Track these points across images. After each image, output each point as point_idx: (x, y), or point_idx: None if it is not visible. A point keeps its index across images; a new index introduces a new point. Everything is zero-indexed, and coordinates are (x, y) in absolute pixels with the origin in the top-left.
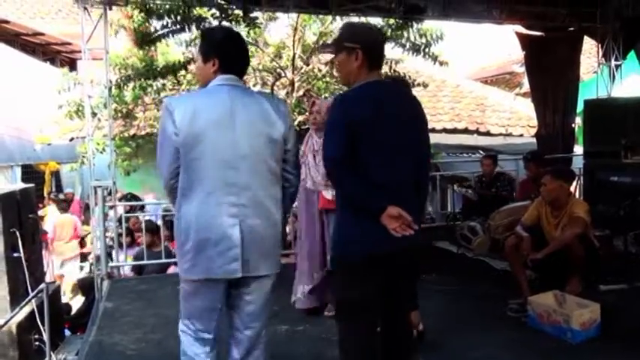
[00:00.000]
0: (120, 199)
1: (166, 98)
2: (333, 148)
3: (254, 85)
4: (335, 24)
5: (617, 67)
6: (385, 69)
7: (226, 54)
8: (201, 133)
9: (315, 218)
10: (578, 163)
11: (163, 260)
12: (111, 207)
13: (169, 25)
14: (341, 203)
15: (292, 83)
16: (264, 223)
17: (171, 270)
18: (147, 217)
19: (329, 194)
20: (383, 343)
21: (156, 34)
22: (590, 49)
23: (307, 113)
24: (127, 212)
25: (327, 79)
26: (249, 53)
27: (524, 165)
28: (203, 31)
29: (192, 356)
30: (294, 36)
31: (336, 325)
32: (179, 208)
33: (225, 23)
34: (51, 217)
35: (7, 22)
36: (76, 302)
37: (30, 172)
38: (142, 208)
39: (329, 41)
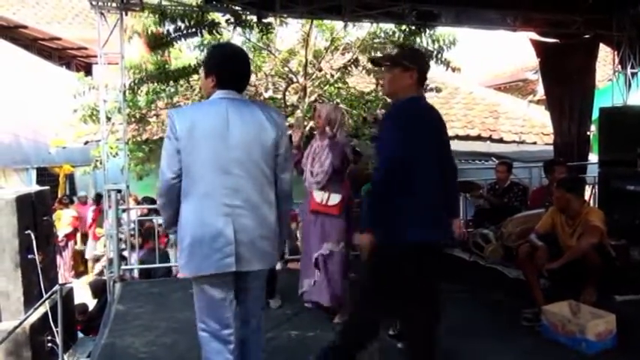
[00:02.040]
0: (138, 203)
1: (170, 110)
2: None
3: (266, 90)
4: (348, 29)
5: (634, 74)
6: None
7: (224, 72)
8: (199, 140)
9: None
10: (593, 172)
11: (172, 264)
12: (124, 210)
13: (182, 30)
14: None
15: (304, 89)
16: (257, 223)
17: (181, 274)
18: (161, 221)
19: (319, 197)
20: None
21: (169, 38)
22: (605, 57)
23: None
24: (140, 216)
25: (339, 84)
26: (262, 59)
27: (545, 170)
28: (208, 49)
29: (214, 354)
30: (306, 41)
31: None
32: (181, 209)
33: (239, 29)
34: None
35: (25, 27)
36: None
37: (45, 175)
38: (157, 211)
39: (341, 47)
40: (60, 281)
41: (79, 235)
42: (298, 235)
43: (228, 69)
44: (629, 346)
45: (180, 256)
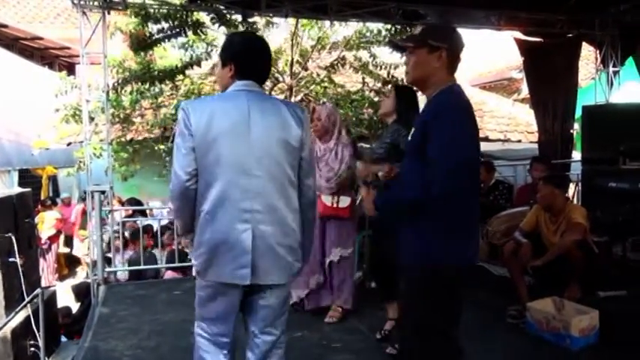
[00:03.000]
0: (122, 204)
1: (183, 102)
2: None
3: None
4: (334, 29)
5: (616, 73)
6: (383, 74)
7: (243, 60)
8: (216, 137)
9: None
10: (576, 169)
11: (161, 265)
12: (109, 212)
13: (165, 30)
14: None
15: (290, 88)
16: (278, 230)
17: (168, 275)
18: (145, 222)
19: (329, 200)
20: None
21: (152, 39)
22: (588, 56)
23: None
24: (125, 217)
25: (326, 83)
26: None
27: (530, 168)
28: (225, 38)
29: (209, 355)
30: (292, 41)
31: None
32: (198, 211)
33: (222, 28)
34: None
35: (5, 26)
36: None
37: (27, 177)
38: (143, 213)
39: (327, 46)
40: (44, 284)
41: (62, 238)
42: None
43: (250, 58)
44: (612, 341)
45: (197, 261)
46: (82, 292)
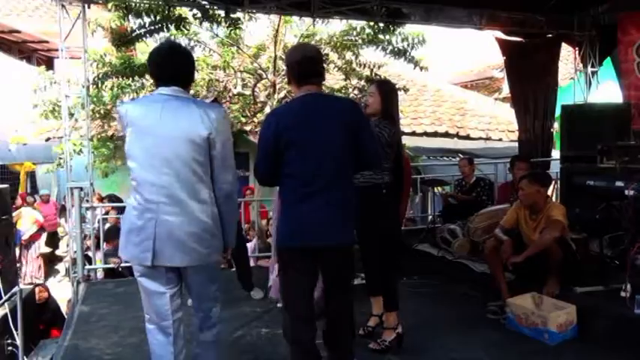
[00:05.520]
0: (102, 201)
1: (119, 101)
2: None
3: (234, 87)
4: (317, 27)
5: (594, 73)
6: (367, 72)
7: (161, 71)
8: (135, 136)
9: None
10: (555, 168)
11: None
12: (88, 208)
13: (147, 25)
14: None
15: (274, 85)
16: (183, 220)
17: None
18: None
19: None
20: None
21: (133, 35)
22: (567, 56)
23: None
24: (104, 214)
25: None
26: (231, 54)
27: (511, 167)
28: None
29: (156, 344)
30: (275, 37)
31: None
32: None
33: (205, 24)
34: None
35: None
36: None
37: (5, 173)
38: (123, 210)
39: (312, 42)
40: (28, 282)
41: (44, 236)
42: (271, 232)
43: (167, 67)
44: (589, 336)
45: (121, 244)
46: None
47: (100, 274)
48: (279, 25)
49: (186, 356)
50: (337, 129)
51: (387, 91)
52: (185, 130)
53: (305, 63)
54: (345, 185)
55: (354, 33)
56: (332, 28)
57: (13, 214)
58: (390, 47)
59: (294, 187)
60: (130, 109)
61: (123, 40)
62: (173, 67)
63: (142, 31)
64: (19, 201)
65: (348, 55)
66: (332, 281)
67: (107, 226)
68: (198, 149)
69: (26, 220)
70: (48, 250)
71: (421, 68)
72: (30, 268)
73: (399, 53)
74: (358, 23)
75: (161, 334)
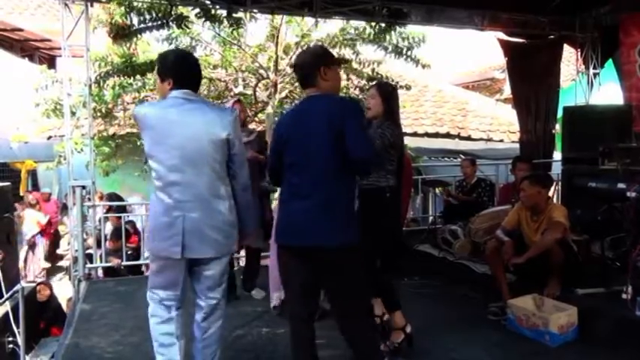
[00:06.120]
0: (101, 199)
1: (135, 106)
2: None
3: (236, 86)
4: (318, 26)
5: (596, 75)
6: (367, 71)
7: (178, 74)
8: (158, 138)
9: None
10: (556, 169)
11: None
12: (90, 207)
13: (147, 22)
14: None
15: (275, 85)
16: (206, 215)
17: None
18: (128, 218)
19: None
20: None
21: (133, 29)
22: (569, 57)
23: None
24: (106, 213)
25: None
26: (232, 54)
27: (512, 168)
28: (158, 56)
29: (156, 317)
30: (276, 37)
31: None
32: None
33: (207, 23)
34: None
35: None
36: None
37: (6, 171)
38: (124, 209)
39: (311, 43)
40: (31, 279)
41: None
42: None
43: (184, 71)
44: (590, 338)
45: (148, 238)
46: None
47: (100, 273)
48: (280, 25)
49: (186, 351)
50: (326, 129)
51: (388, 92)
52: (204, 131)
53: (296, 71)
54: (335, 185)
55: (354, 31)
56: (331, 27)
57: (20, 213)
58: (391, 46)
59: (286, 185)
60: (148, 112)
61: (122, 33)
62: (193, 73)
63: (142, 26)
64: (29, 198)
65: (348, 53)
66: (332, 294)
67: (110, 226)
68: (217, 149)
69: (28, 221)
70: (55, 249)
71: (423, 66)
72: (35, 266)
73: (399, 52)
74: (359, 23)
75: (162, 309)
